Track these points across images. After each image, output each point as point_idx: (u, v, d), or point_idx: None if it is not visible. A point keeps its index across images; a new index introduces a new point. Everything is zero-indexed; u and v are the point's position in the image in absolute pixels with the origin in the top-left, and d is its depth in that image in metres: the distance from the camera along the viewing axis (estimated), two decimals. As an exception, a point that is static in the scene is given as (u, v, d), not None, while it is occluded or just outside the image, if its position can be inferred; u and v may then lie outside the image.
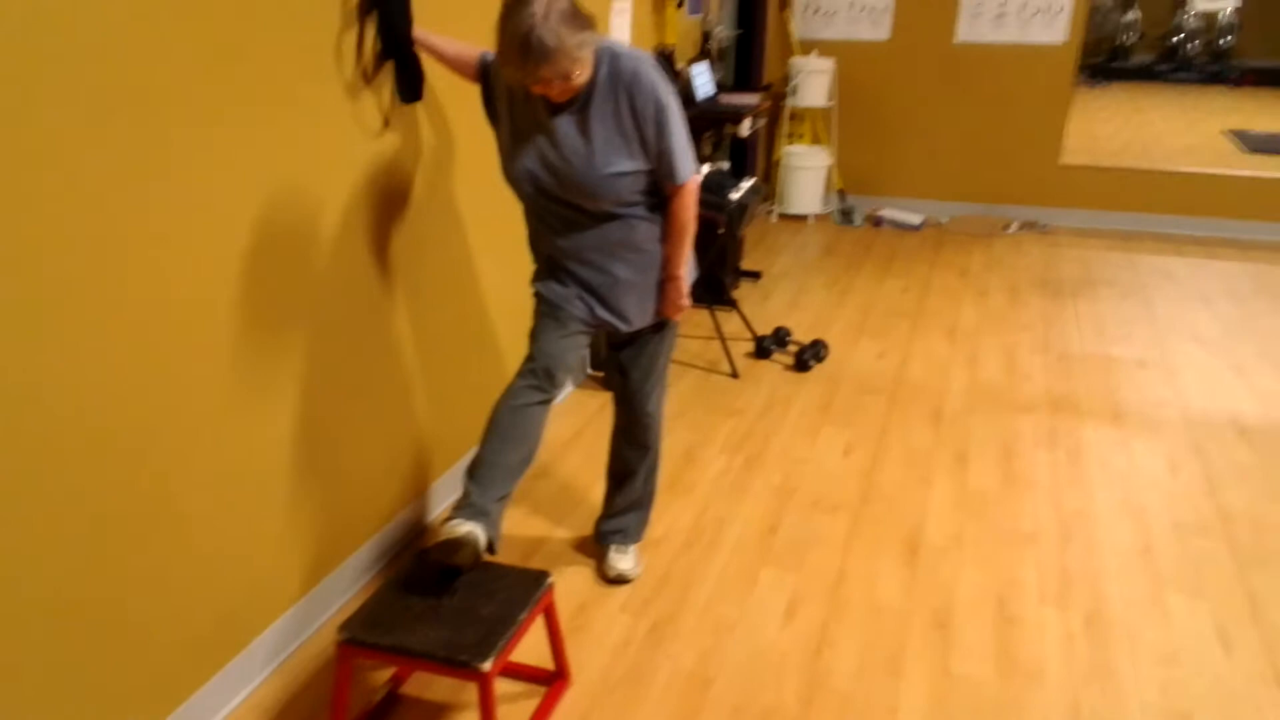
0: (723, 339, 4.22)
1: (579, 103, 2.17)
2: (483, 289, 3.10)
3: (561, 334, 2.37)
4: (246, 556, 2.20)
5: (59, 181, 1.61)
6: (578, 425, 3.64)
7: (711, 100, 4.92)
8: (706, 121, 4.85)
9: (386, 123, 2.47)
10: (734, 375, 4.15)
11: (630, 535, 2.77)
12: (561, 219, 2.30)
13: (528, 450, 2.30)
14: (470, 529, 2.08)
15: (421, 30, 2.44)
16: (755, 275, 5.47)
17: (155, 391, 1.88)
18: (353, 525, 2.60)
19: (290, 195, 2.17)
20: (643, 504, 2.78)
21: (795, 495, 3.20)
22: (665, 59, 4.38)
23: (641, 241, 2.34)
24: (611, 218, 2.30)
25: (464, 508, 2.17)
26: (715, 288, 4.93)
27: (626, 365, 2.55)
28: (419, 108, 2.62)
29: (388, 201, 2.54)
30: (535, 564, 2.78)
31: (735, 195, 3.91)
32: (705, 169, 4.15)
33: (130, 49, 1.70)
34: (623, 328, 2.44)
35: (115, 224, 1.73)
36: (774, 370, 4.23)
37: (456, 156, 2.84)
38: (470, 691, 2.31)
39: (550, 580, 2.16)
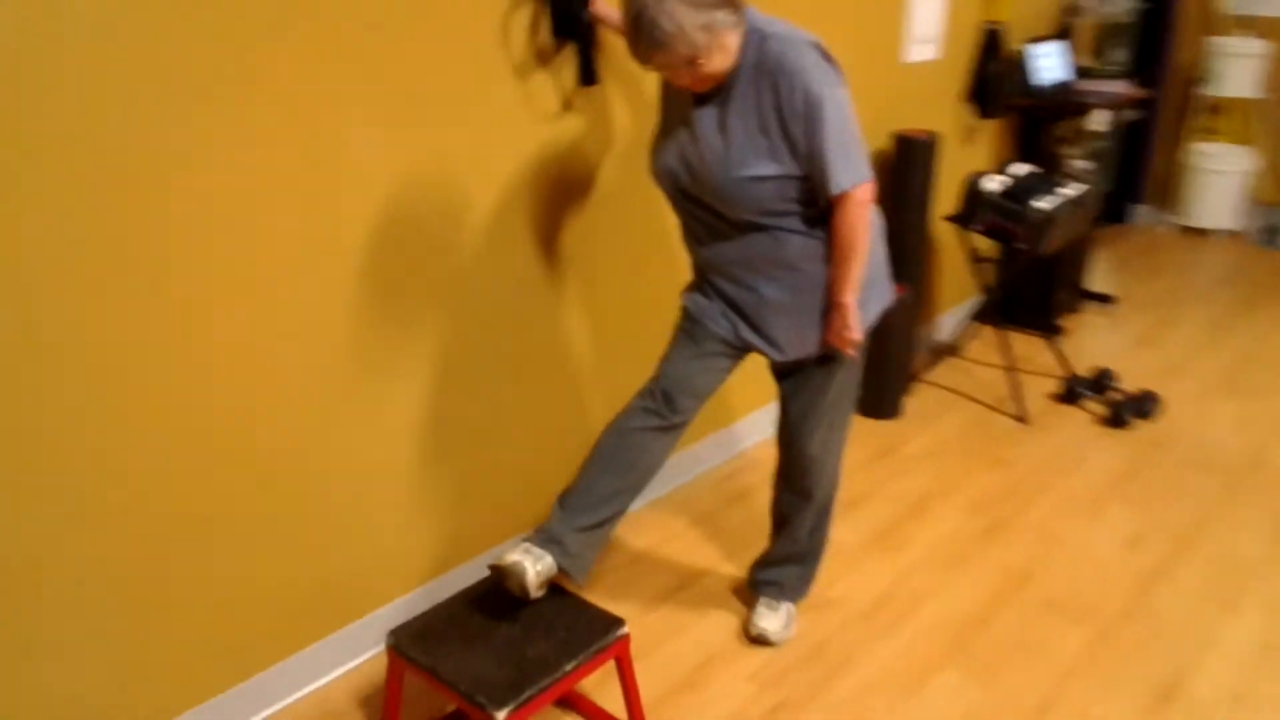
0: (1014, 371, 3.53)
1: (722, 94, 1.84)
2: (668, 287, 2.84)
3: (694, 354, 2.07)
4: (372, 532, 2.20)
5: (195, 164, 1.66)
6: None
7: (1061, 87, 4.12)
8: (1047, 113, 4.08)
9: (568, 106, 2.30)
10: (1019, 419, 3.47)
11: (786, 591, 2.39)
12: (705, 225, 1.99)
13: (632, 480, 2.04)
14: (519, 559, 1.88)
15: (603, 5, 2.22)
16: (1106, 299, 4.55)
17: (289, 368, 1.91)
18: (500, 521, 2.52)
19: (443, 181, 2.09)
20: (806, 559, 2.38)
21: (1030, 585, 2.57)
22: (991, 38, 3.71)
23: (795, 259, 1.95)
24: (757, 228, 1.94)
25: (537, 531, 1.97)
26: (1037, 310, 4.17)
27: (787, 397, 2.17)
28: (610, 91, 2.41)
29: (563, 188, 2.38)
30: (681, 600, 2.50)
31: (1042, 204, 3.22)
32: (1007, 171, 3.48)
33: (288, 26, 1.70)
34: (774, 355, 2.07)
35: (259, 210, 1.76)
36: (1077, 421, 3.47)
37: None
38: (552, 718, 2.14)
39: (623, 631, 1.90)
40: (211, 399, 1.86)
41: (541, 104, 2.25)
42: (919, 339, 3.75)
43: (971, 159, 4.00)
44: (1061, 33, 4.26)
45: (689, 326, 2.10)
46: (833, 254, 1.93)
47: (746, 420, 3.24)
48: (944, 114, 3.74)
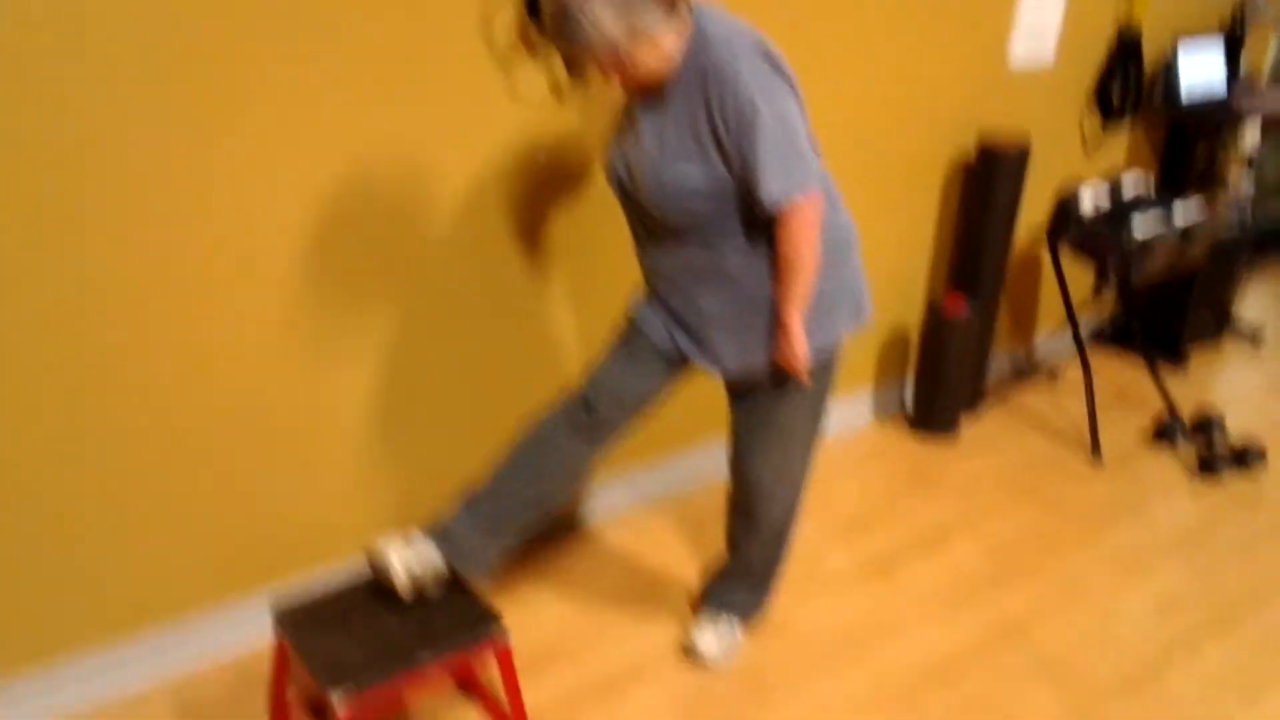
0: (1091, 399, 3.14)
1: (665, 97, 1.71)
2: None
3: (626, 360, 1.96)
4: (315, 497, 2.24)
5: (157, 139, 1.73)
6: (856, 459, 3.04)
7: (1217, 98, 3.60)
8: (1197, 125, 3.58)
9: (559, 94, 2.21)
10: (1094, 452, 3.09)
11: (731, 608, 2.23)
12: (648, 230, 1.87)
13: (545, 486, 1.96)
14: (385, 549, 1.84)
15: None
16: (1253, 334, 3.96)
17: (240, 338, 1.97)
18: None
19: (412, 161, 2.08)
20: (757, 581, 2.22)
21: (1024, 640, 2.28)
22: (1127, 46, 3.28)
23: (735, 272, 1.81)
24: (695, 238, 1.80)
25: (430, 525, 1.93)
26: (1164, 333, 3.70)
27: (736, 419, 2.02)
28: (600, 84, 2.30)
29: (547, 177, 2.31)
30: (636, 606, 2.40)
31: (1140, 231, 2.81)
32: (1115, 185, 3.07)
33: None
34: (714, 371, 1.93)
35: (212, 182, 1.82)
36: (1162, 466, 3.05)
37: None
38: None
39: (495, 631, 1.84)
40: (165, 359, 1.94)
41: (526, 89, 2.18)
42: (991, 355, 3.41)
43: (1090, 174, 3.58)
44: (1228, 35, 3.71)
45: (627, 331, 1.99)
46: (777, 271, 1.77)
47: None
48: (1060, 122, 3.37)
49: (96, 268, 1.84)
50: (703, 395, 2.77)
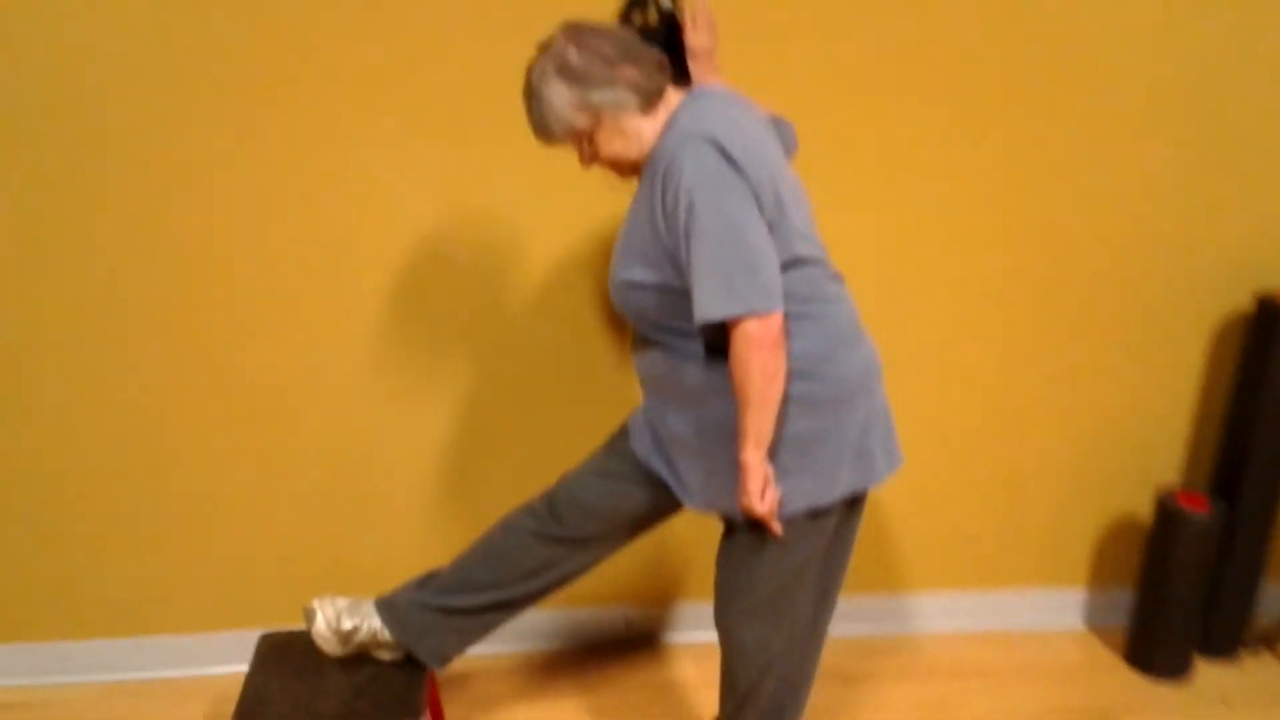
0: None
1: (640, 186, 1.59)
2: None
3: (601, 466, 1.82)
4: (387, 532, 2.34)
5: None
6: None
7: None
8: None
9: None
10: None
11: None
12: (630, 330, 1.73)
13: (506, 580, 1.86)
14: (320, 615, 1.83)
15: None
16: None
17: (325, 378, 2.17)
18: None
19: (507, 226, 2.14)
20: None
21: None
22: None
23: (697, 389, 1.60)
24: (655, 343, 1.64)
25: (381, 595, 1.90)
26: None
27: (719, 556, 1.75)
28: None
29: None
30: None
31: None
32: None
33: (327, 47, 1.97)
34: (684, 498, 1.70)
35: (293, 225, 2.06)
36: None
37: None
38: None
39: (427, 678, 1.77)
40: (255, 396, 2.18)
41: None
42: (1261, 582, 2.57)
43: None
44: None
45: (615, 436, 1.84)
46: (735, 393, 1.52)
47: (929, 600, 2.59)
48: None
49: (198, 295, 2.11)
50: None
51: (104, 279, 2.07)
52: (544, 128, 1.57)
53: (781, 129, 1.83)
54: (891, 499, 2.48)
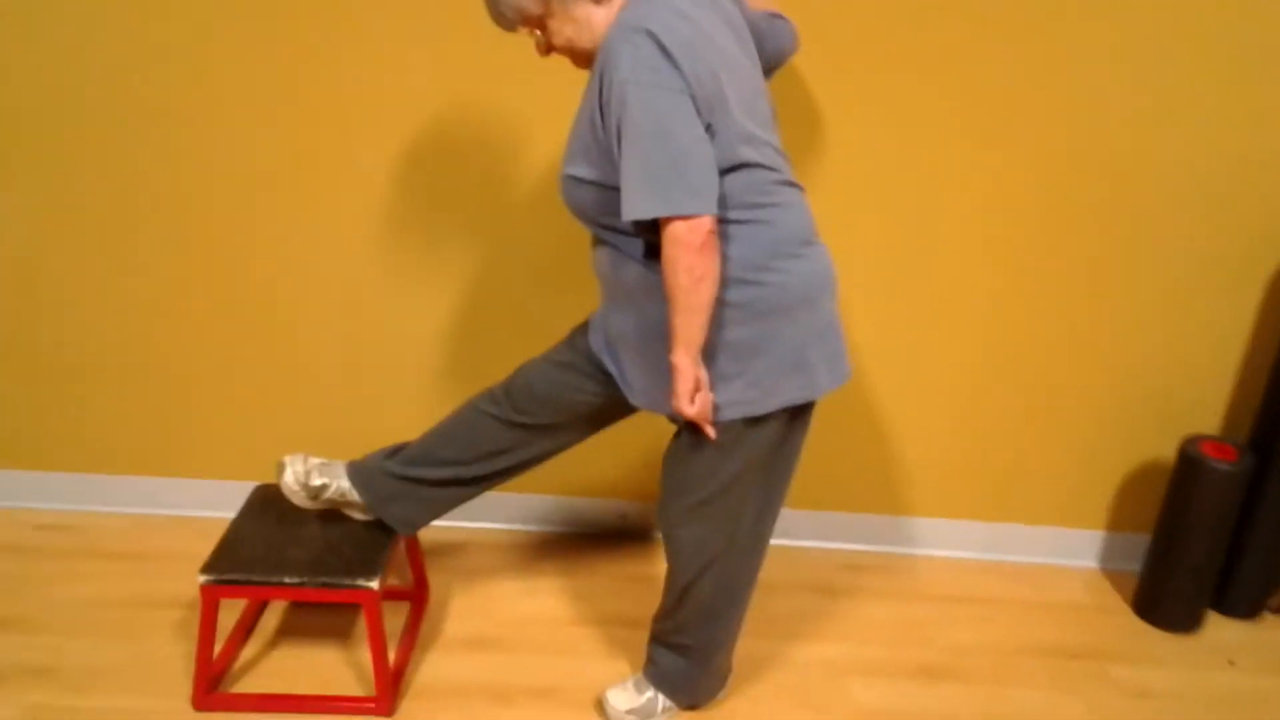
0: None
1: (590, 77, 1.55)
2: None
3: (556, 357, 1.85)
4: (380, 408, 2.44)
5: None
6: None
7: None
8: None
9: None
10: None
11: (661, 675, 1.95)
12: None
13: (466, 458, 1.91)
14: (289, 469, 1.93)
15: None
16: None
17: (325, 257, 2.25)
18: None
19: (506, 128, 2.14)
20: (689, 656, 1.91)
21: None
22: None
23: (634, 290, 1.59)
24: (599, 241, 1.64)
25: (355, 460, 1.98)
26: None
27: (664, 459, 1.75)
28: None
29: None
30: (624, 635, 2.20)
31: None
32: None
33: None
34: (630, 398, 1.71)
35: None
36: None
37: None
38: (342, 617, 2.14)
39: (361, 585, 1.86)
40: (256, 273, 2.28)
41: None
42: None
43: None
44: None
45: (576, 329, 1.86)
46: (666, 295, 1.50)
47: (935, 525, 2.53)
48: None
49: (231, 165, 2.19)
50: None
51: (121, 176, 2.17)
52: (499, 14, 1.54)
53: (776, 26, 1.74)
54: (906, 421, 2.41)
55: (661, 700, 1.95)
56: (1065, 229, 2.20)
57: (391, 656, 2.05)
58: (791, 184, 1.58)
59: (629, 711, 1.94)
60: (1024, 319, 2.30)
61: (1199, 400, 2.36)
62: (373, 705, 1.94)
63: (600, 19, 1.49)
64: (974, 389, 2.38)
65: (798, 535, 2.55)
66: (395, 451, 1.97)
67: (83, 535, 2.44)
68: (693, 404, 1.53)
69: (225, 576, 1.87)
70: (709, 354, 1.53)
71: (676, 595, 1.82)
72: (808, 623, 2.29)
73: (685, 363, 1.50)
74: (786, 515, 2.49)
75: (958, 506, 2.52)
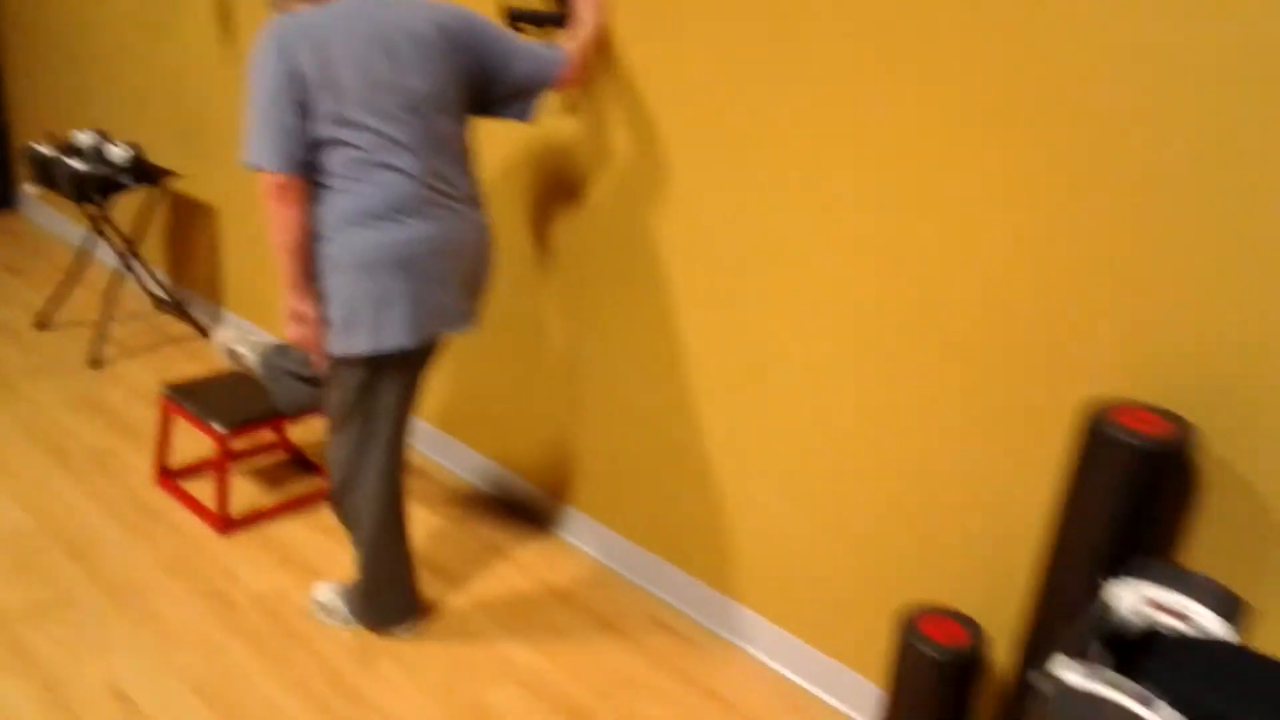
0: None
1: None
2: (668, 306, 2.33)
3: None
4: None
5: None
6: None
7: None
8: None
9: (570, 107, 2.34)
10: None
11: (354, 587, 2.29)
12: None
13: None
14: (218, 335, 2.68)
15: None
16: None
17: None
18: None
19: None
20: (360, 578, 2.24)
21: None
22: None
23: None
24: None
25: (268, 345, 2.65)
26: None
27: None
28: (609, 104, 2.25)
29: (554, 184, 2.44)
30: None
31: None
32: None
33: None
34: None
35: None
36: None
37: (659, 158, 2.22)
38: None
39: (218, 425, 2.54)
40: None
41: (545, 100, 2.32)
42: None
43: None
44: None
45: None
46: None
47: (756, 621, 2.35)
48: None
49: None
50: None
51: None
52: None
53: (537, 54, 2.01)
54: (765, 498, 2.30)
55: (344, 608, 2.30)
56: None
57: (268, 504, 2.72)
58: (387, 166, 1.84)
59: (320, 602, 2.32)
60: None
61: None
62: (215, 522, 2.64)
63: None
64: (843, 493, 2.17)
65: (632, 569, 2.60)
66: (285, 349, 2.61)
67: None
68: (291, 331, 1.92)
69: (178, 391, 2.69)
70: (321, 297, 1.92)
71: (335, 495, 2.16)
72: (568, 641, 2.38)
73: (286, 293, 1.91)
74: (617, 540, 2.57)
75: (777, 610, 2.31)
